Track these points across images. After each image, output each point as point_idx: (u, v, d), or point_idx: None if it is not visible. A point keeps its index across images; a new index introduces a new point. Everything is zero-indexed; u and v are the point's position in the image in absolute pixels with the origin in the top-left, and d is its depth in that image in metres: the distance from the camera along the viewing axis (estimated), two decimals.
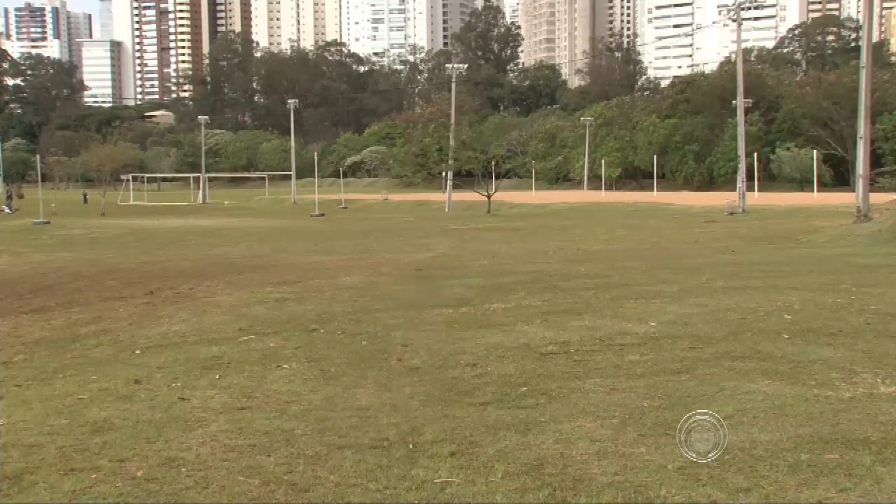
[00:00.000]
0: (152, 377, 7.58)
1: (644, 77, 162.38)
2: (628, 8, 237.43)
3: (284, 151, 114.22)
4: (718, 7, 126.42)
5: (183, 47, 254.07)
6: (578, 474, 4.79)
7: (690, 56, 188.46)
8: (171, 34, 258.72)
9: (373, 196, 77.21)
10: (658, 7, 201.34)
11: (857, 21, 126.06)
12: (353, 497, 4.57)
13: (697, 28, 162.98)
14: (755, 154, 67.13)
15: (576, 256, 19.52)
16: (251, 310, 11.70)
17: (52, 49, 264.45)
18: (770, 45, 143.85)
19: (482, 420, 5.94)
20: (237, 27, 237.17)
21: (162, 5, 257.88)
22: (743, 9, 50.37)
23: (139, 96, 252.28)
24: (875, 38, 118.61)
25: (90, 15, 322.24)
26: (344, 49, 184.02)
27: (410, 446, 5.38)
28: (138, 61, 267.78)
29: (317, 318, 10.75)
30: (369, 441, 5.49)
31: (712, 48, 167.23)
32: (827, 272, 14.17)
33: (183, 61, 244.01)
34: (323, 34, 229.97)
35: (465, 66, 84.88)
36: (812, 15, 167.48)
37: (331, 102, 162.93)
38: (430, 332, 9.46)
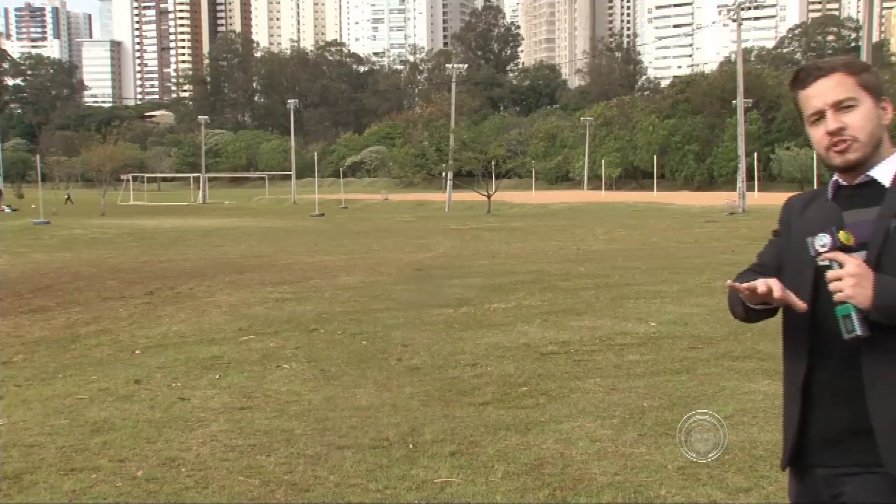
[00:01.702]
0: (152, 377, 7.58)
1: (644, 77, 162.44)
2: (628, 8, 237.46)
3: (284, 151, 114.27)
4: (718, 7, 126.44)
5: (183, 47, 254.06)
6: (578, 474, 4.79)
7: (690, 56, 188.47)
8: (171, 34, 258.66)
9: (373, 196, 77.22)
10: (658, 7, 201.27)
11: (857, 21, 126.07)
12: (353, 497, 4.57)
13: (697, 28, 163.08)
14: (755, 154, 67.15)
15: (576, 256, 19.52)
16: (251, 310, 11.70)
17: (52, 49, 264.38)
18: (770, 45, 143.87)
19: (482, 420, 5.95)
20: (237, 27, 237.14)
21: (162, 5, 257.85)
22: (743, 9, 50.37)
23: (139, 96, 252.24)
24: (875, 38, 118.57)
25: (90, 15, 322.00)
26: (344, 49, 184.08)
27: (410, 446, 5.38)
28: (138, 61, 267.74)
29: (317, 318, 10.76)
30: (369, 441, 5.50)
31: (712, 48, 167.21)
32: None
33: (183, 61, 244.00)
34: (323, 34, 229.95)
35: (465, 66, 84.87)
36: (812, 15, 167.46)
37: (331, 102, 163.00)
38: (430, 332, 9.46)
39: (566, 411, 6.06)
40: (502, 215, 47.80)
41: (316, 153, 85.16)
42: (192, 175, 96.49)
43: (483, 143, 60.66)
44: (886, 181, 2.09)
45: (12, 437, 5.79)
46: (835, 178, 2.18)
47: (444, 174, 63.14)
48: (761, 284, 2.02)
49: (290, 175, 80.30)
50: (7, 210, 54.88)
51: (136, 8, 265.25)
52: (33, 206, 50.21)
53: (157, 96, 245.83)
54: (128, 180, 79.11)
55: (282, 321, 10.55)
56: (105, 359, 8.66)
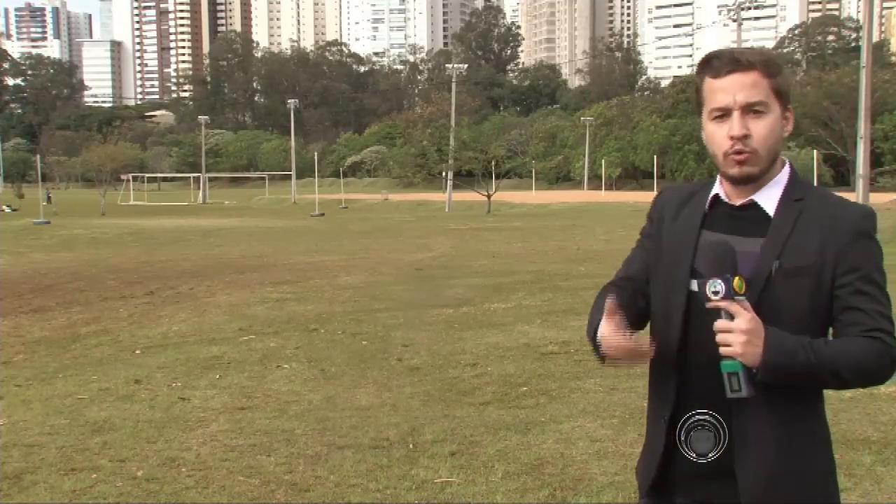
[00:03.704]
0: (152, 377, 7.59)
1: (644, 77, 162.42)
2: (628, 8, 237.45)
3: (284, 151, 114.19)
4: (718, 7, 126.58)
5: (183, 47, 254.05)
6: (578, 474, 4.79)
7: (690, 56, 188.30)
8: (171, 34, 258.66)
9: (373, 196, 77.18)
10: (658, 7, 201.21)
11: (858, 21, 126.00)
12: (353, 497, 4.57)
13: (697, 28, 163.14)
14: None
15: (576, 256, 19.52)
16: (251, 310, 11.70)
17: (53, 49, 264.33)
18: (770, 45, 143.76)
19: (482, 420, 5.95)
20: (237, 27, 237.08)
21: (162, 5, 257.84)
22: (743, 9, 50.46)
23: (139, 96, 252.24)
24: (875, 38, 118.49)
25: (90, 15, 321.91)
26: (344, 49, 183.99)
27: (410, 446, 5.38)
28: (138, 61, 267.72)
29: (317, 317, 10.76)
30: (369, 441, 5.50)
31: (712, 48, 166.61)
32: None
33: (183, 61, 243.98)
34: (323, 34, 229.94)
35: (466, 66, 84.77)
36: (812, 15, 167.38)
37: (331, 102, 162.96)
38: (430, 332, 9.47)
39: (566, 411, 6.06)
40: (502, 215, 47.79)
41: (316, 153, 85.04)
42: (192, 175, 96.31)
43: (483, 143, 60.61)
44: (770, 208, 1.93)
45: (12, 436, 5.79)
46: (715, 191, 2.01)
47: (444, 174, 63.08)
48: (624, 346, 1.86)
49: (291, 175, 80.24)
50: (7, 210, 54.87)
51: (137, 8, 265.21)
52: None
53: (157, 96, 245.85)
54: (128, 180, 78.98)
55: (282, 321, 10.56)
56: (105, 359, 8.67)
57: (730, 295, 1.81)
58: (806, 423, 1.95)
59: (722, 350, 1.81)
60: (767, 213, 1.94)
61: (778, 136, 1.94)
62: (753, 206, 1.95)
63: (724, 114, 1.92)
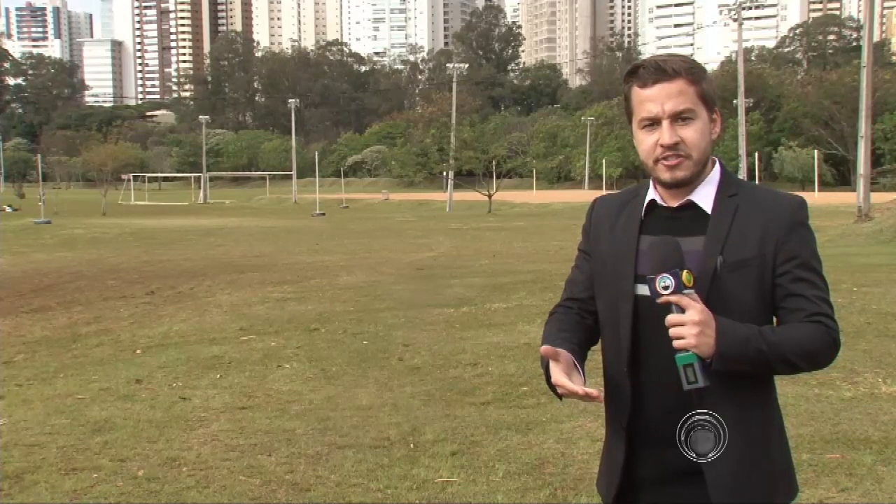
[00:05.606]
0: (153, 377, 7.59)
1: None
2: (629, 7, 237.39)
3: (285, 151, 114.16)
4: (719, 7, 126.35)
5: (184, 47, 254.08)
6: (579, 474, 4.79)
7: (691, 56, 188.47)
8: (171, 34, 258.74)
9: (374, 196, 77.17)
10: (659, 7, 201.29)
11: (858, 21, 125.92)
12: (354, 497, 4.57)
13: (698, 28, 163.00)
14: (756, 154, 67.14)
15: None
16: (252, 309, 11.70)
17: (53, 49, 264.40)
18: (771, 44, 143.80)
19: (483, 419, 5.95)
20: (238, 27, 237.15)
21: (163, 5, 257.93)
22: (744, 8, 50.37)
23: (140, 96, 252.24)
24: (876, 38, 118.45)
25: (91, 14, 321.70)
26: (345, 49, 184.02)
27: (411, 446, 5.38)
28: (139, 61, 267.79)
29: (318, 317, 10.76)
30: (370, 441, 5.50)
31: (713, 48, 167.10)
32: (827, 272, 14.12)
33: (184, 61, 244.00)
34: (324, 34, 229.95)
35: (466, 65, 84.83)
36: (813, 14, 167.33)
37: (332, 102, 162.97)
38: (431, 332, 9.46)
39: (567, 411, 6.06)
40: (503, 215, 47.79)
41: (317, 153, 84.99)
42: (192, 175, 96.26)
43: (484, 143, 60.60)
44: (707, 206, 1.97)
45: (13, 436, 5.79)
46: (650, 196, 2.03)
47: (444, 174, 63.10)
48: (576, 389, 1.89)
49: (291, 175, 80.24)
50: (8, 210, 54.87)
51: (137, 7, 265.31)
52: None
53: (157, 96, 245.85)
54: (129, 180, 78.97)
55: (283, 321, 10.56)
56: (106, 358, 8.67)
57: (679, 289, 1.83)
58: (765, 416, 2.00)
59: (675, 343, 1.84)
60: (705, 212, 1.98)
61: (708, 139, 1.98)
62: (691, 206, 1.99)
63: (653, 122, 1.95)
